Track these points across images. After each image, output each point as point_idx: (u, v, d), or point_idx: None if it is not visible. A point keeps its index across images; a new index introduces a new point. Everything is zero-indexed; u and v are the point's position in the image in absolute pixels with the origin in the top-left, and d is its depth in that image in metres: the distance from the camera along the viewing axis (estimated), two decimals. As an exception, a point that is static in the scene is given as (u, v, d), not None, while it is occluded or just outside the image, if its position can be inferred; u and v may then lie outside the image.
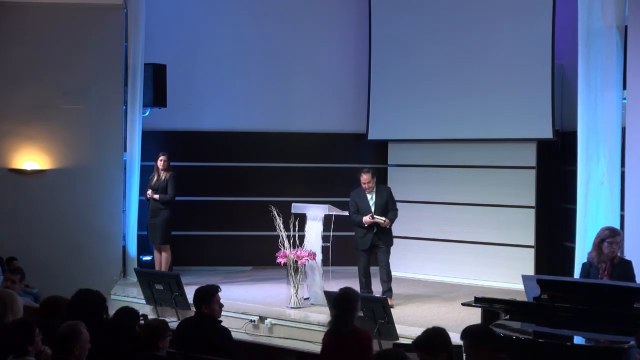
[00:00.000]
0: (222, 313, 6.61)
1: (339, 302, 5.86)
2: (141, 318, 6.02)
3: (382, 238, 9.48)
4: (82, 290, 5.98)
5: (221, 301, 6.60)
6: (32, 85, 11.20)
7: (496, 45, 11.07)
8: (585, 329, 6.21)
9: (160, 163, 10.77)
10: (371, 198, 9.49)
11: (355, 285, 10.52)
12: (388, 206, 9.50)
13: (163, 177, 10.73)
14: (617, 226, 8.69)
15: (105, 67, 11.33)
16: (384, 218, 9.36)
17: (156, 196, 10.69)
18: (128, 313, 5.79)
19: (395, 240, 11.87)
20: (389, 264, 9.51)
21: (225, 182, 12.43)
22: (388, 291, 9.41)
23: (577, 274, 8.84)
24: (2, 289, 7.01)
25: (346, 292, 5.93)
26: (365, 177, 9.42)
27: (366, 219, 9.33)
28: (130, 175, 11.35)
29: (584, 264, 7.42)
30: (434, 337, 4.70)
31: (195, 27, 12.40)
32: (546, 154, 10.98)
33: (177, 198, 10.92)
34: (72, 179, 11.24)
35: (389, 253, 9.53)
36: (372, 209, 9.41)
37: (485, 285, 10.85)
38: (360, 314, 7.91)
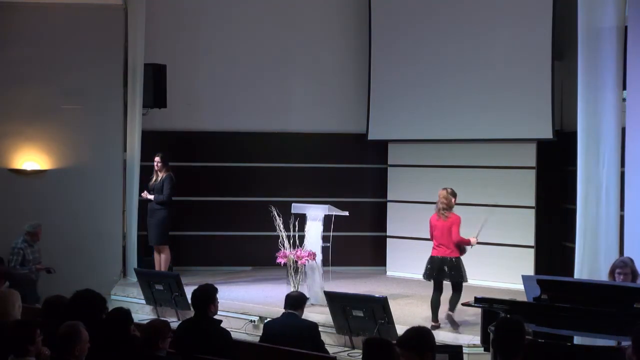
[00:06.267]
0: (222, 313, 6.60)
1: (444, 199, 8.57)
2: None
3: None
4: (82, 291, 5.97)
5: (221, 301, 6.60)
6: (33, 85, 11.20)
7: (496, 45, 11.06)
8: (585, 329, 6.21)
9: (154, 164, 10.75)
10: None
11: (356, 285, 10.58)
12: None
13: (160, 178, 10.70)
14: (617, 226, 8.71)
15: (105, 67, 11.33)
16: None
17: (150, 197, 10.66)
18: (120, 313, 5.76)
19: (395, 240, 11.95)
20: None
21: (225, 182, 12.42)
22: None
23: (576, 273, 8.85)
24: None
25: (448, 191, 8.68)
26: None
27: None
28: (130, 175, 11.32)
29: None
30: (420, 335, 4.61)
31: (195, 27, 12.39)
32: (546, 154, 10.97)
33: (177, 198, 10.90)
34: (72, 179, 11.24)
35: None
36: None
37: (485, 285, 10.83)
38: (360, 313, 7.96)
